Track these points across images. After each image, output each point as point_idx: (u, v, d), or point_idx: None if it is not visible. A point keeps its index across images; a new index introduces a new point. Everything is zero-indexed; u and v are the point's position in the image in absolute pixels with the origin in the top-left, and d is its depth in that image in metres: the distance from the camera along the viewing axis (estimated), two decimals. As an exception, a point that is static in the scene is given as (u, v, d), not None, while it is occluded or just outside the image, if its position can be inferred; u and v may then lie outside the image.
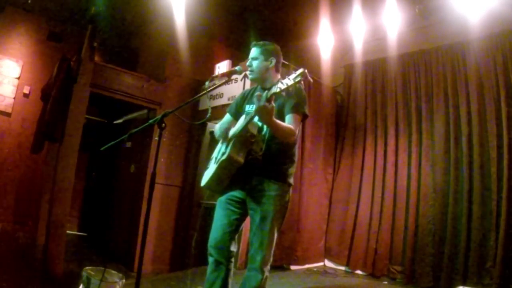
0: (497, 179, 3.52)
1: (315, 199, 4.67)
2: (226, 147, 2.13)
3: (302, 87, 2.16)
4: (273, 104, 1.91)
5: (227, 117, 2.41)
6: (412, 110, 4.38)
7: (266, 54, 2.27)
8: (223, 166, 2.07)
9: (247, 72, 2.29)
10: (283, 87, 1.83)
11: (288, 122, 2.08)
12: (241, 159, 2.05)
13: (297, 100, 2.12)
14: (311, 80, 1.99)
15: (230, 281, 2.16)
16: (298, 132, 2.15)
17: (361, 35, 4.85)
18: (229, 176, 2.11)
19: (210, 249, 2.15)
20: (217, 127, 2.36)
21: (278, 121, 2.00)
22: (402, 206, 4.21)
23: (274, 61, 2.28)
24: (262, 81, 2.27)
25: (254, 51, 2.28)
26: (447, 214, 3.82)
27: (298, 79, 1.81)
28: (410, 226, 4.08)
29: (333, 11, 4.71)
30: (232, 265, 2.18)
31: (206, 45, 5.46)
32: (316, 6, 4.67)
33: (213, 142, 4.59)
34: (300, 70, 1.82)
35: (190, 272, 3.71)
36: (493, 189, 3.53)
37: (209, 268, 2.16)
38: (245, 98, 2.39)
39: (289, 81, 1.83)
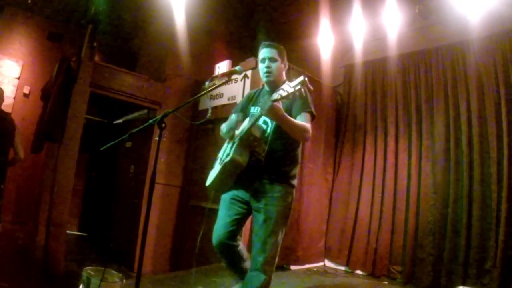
0: (497, 179, 3.52)
1: (315, 199, 4.67)
2: (230, 148, 2.14)
3: (305, 89, 2.17)
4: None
5: (233, 117, 2.41)
6: (412, 110, 4.38)
7: (283, 56, 2.27)
8: (226, 168, 2.09)
9: (264, 74, 2.23)
10: (284, 94, 1.83)
11: (301, 120, 2.07)
12: (243, 161, 2.06)
13: (303, 101, 2.12)
14: (311, 87, 1.98)
15: (242, 250, 2.25)
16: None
17: (361, 35, 4.85)
18: (233, 177, 2.12)
19: (215, 246, 2.20)
20: (223, 127, 2.36)
21: (291, 118, 2.00)
22: (402, 206, 4.21)
23: (287, 64, 2.30)
24: (275, 83, 2.22)
25: (271, 52, 2.22)
26: (447, 214, 3.82)
27: (298, 87, 1.81)
28: (410, 226, 4.08)
29: (333, 11, 4.72)
30: (240, 248, 2.24)
31: (206, 45, 5.46)
32: (316, 6, 4.68)
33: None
34: (301, 79, 1.81)
35: (190, 272, 3.71)
36: (493, 189, 3.53)
37: (223, 262, 2.27)
38: (251, 99, 2.40)
39: (289, 88, 1.82)
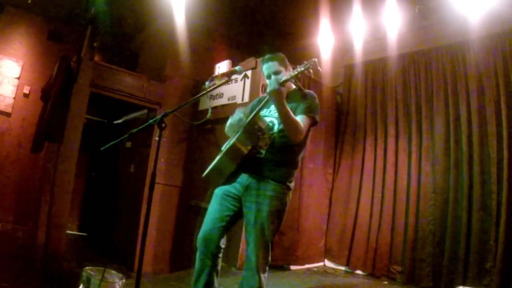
0: (497, 179, 3.52)
1: (315, 199, 4.67)
2: (233, 137, 2.16)
3: (316, 97, 2.26)
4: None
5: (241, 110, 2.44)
6: (412, 110, 4.38)
7: (285, 64, 2.34)
8: (226, 154, 2.10)
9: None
10: (293, 74, 1.93)
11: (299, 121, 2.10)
12: (244, 149, 2.05)
13: (309, 104, 2.17)
14: (320, 69, 2.04)
15: (216, 276, 2.16)
16: (305, 133, 2.15)
17: (361, 35, 4.85)
18: (230, 166, 2.11)
19: (199, 241, 2.15)
20: (228, 123, 2.35)
21: (290, 111, 2.03)
22: (402, 206, 4.21)
23: (291, 68, 2.34)
24: (286, 90, 2.27)
25: (273, 66, 2.27)
26: (447, 214, 3.82)
27: (307, 66, 1.90)
28: (410, 226, 4.08)
29: (333, 11, 4.71)
30: (220, 260, 2.18)
31: (206, 45, 5.46)
32: (316, 6, 4.68)
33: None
34: (311, 60, 1.92)
35: (190, 272, 3.71)
36: (493, 189, 3.52)
37: (197, 261, 2.17)
38: (260, 102, 2.41)
39: (299, 68, 1.93)
